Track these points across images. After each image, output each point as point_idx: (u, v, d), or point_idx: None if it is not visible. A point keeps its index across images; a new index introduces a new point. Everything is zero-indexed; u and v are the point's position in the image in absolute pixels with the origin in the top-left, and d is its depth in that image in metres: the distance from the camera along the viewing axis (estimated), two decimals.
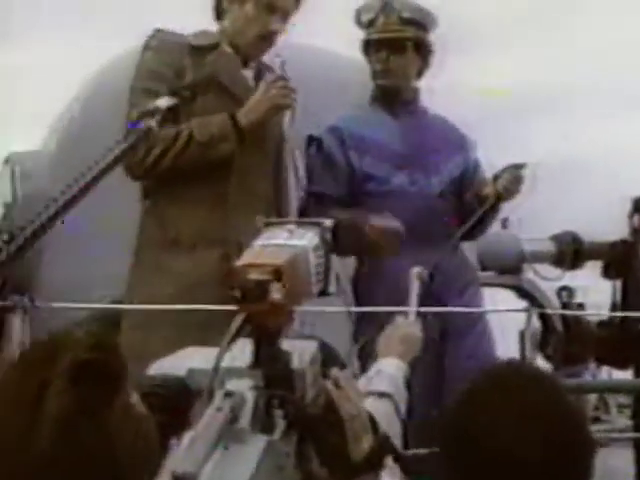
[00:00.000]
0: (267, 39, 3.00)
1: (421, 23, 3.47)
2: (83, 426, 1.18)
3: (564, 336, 6.49)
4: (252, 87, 3.00)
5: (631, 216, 5.61)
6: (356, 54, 3.62)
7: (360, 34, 3.54)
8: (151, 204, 2.98)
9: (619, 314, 6.27)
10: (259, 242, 1.42)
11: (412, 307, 2.53)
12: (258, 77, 3.03)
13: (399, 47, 3.44)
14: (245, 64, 3.03)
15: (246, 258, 1.34)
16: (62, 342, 1.23)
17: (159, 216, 2.92)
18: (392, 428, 1.92)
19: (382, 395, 1.99)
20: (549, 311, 6.39)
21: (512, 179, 3.32)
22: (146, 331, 2.70)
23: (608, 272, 6.44)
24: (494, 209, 3.43)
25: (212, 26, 3.12)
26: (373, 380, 2.06)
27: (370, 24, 3.46)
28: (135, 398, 1.28)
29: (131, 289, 2.94)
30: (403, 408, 2.01)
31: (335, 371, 1.67)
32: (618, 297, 6.32)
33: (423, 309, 2.58)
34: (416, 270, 2.81)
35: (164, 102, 2.60)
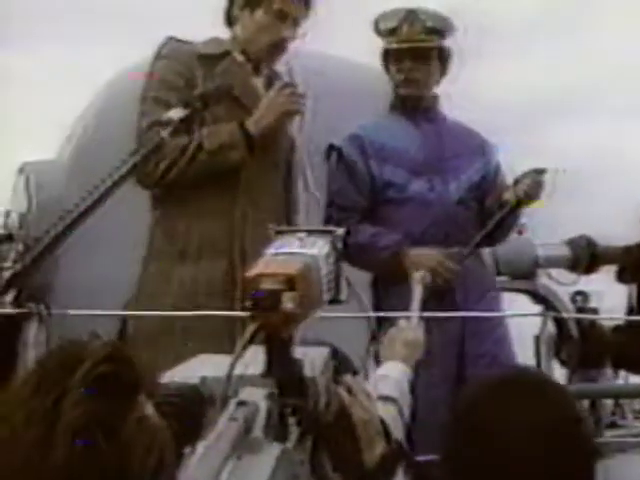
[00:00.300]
0: (279, 46, 3.00)
1: (443, 31, 3.47)
2: (98, 438, 1.18)
3: (579, 341, 6.47)
4: (262, 95, 3.00)
5: None
6: (371, 62, 3.61)
7: (374, 42, 3.54)
8: (160, 215, 2.98)
9: (635, 318, 6.25)
10: (271, 251, 1.43)
11: (415, 311, 2.55)
12: (269, 85, 3.03)
13: (424, 56, 3.44)
14: (256, 71, 3.03)
15: (258, 267, 1.35)
16: (78, 353, 1.23)
17: (167, 227, 2.93)
18: (396, 432, 1.92)
19: (387, 399, 2.00)
20: (564, 315, 6.36)
21: (532, 184, 3.31)
22: (150, 341, 2.69)
23: (622, 276, 6.43)
24: (514, 214, 3.42)
25: (222, 33, 3.12)
26: (378, 384, 2.07)
27: (392, 33, 3.44)
28: (150, 409, 1.29)
29: (137, 299, 2.94)
30: (407, 412, 2.02)
31: (347, 377, 1.69)
32: (634, 301, 6.31)
33: (425, 314, 2.58)
34: (419, 274, 2.82)
35: (176, 113, 2.61)
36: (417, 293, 2.73)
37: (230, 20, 3.07)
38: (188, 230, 2.89)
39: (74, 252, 3.28)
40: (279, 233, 1.51)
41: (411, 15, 3.42)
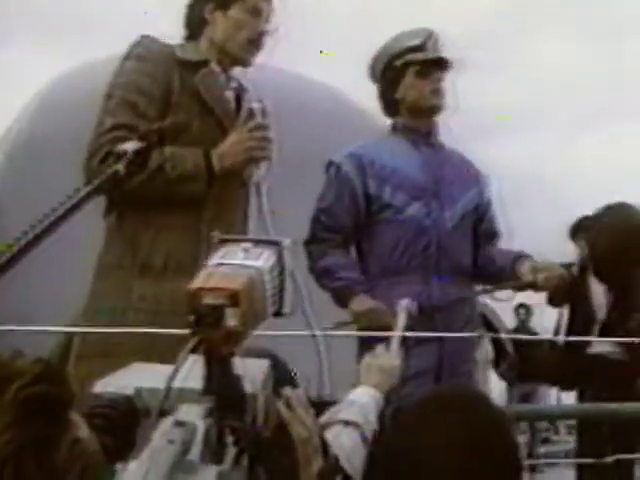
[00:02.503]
0: (256, 42, 2.95)
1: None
2: (29, 465, 1.12)
3: (515, 357, 6.59)
4: (233, 111, 2.91)
5: (572, 238, 5.73)
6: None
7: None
8: (118, 221, 2.84)
9: (574, 339, 6.39)
10: (214, 261, 1.38)
11: (396, 338, 2.55)
12: (237, 99, 2.97)
13: (447, 68, 3.48)
14: (227, 82, 2.96)
15: (200, 280, 1.29)
16: (4, 372, 1.16)
17: (128, 239, 2.80)
18: (356, 455, 1.90)
19: (347, 423, 1.98)
20: (500, 336, 6.47)
21: (554, 276, 3.37)
22: (106, 360, 2.55)
23: (554, 300, 6.60)
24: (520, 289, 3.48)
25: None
26: (343, 409, 2.05)
27: (417, 49, 3.46)
28: (84, 430, 1.23)
29: (90, 312, 2.81)
30: (370, 437, 1.99)
31: (287, 390, 1.64)
32: (562, 322, 6.49)
33: (386, 333, 2.58)
34: (405, 303, 2.81)
35: (132, 145, 2.52)
36: (401, 320, 2.73)
37: (196, 27, 2.98)
38: (153, 243, 2.76)
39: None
40: (223, 242, 1.46)
41: (433, 33, 3.50)
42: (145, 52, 2.87)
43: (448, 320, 3.30)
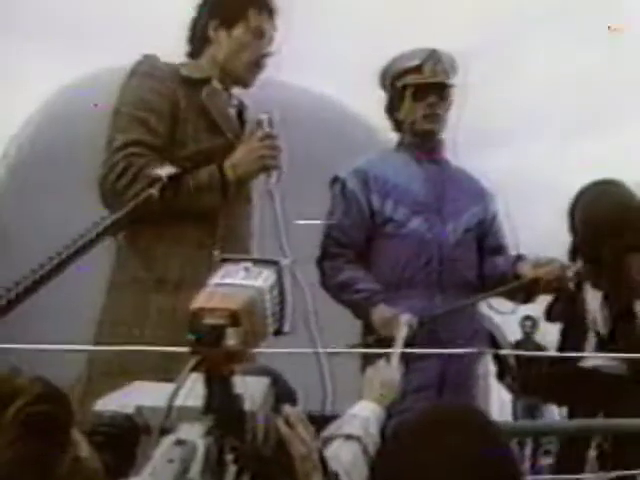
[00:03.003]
0: (258, 63, 2.97)
1: (452, 72, 3.53)
2: None
3: (516, 370, 6.59)
4: (237, 126, 2.95)
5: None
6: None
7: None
8: (130, 236, 2.84)
9: (569, 355, 6.40)
10: (214, 281, 1.39)
11: (396, 352, 2.55)
12: (239, 116, 2.99)
13: (446, 93, 3.48)
14: (229, 102, 2.98)
15: (201, 300, 1.31)
16: (6, 389, 1.17)
17: (142, 253, 2.80)
18: (356, 470, 1.91)
19: (349, 437, 1.99)
20: (501, 351, 6.47)
21: (556, 271, 3.38)
22: (126, 377, 2.50)
23: (552, 314, 6.61)
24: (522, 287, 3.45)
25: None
26: (344, 423, 2.05)
27: (415, 71, 3.46)
28: (84, 448, 1.24)
29: (104, 328, 2.81)
30: (373, 450, 2.00)
31: (287, 408, 1.65)
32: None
33: (384, 349, 2.58)
34: (406, 317, 2.81)
35: (165, 171, 2.55)
36: (401, 335, 2.73)
37: (199, 44, 3.00)
38: (167, 257, 2.78)
39: None
40: (224, 261, 1.47)
41: (434, 54, 3.48)
42: (150, 69, 2.90)
43: (453, 335, 3.30)
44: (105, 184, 2.76)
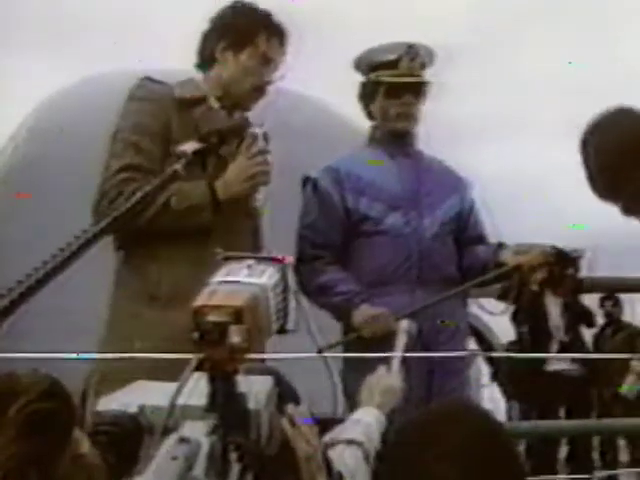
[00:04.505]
0: (261, 90, 2.96)
1: (430, 66, 3.46)
2: (33, 477, 1.12)
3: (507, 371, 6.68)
4: (235, 144, 2.94)
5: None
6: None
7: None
8: (126, 256, 2.90)
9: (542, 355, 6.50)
10: (217, 279, 1.38)
11: (396, 359, 2.54)
12: (240, 132, 2.98)
13: (422, 92, 3.41)
14: (230, 118, 2.97)
15: (203, 297, 1.30)
16: (10, 387, 1.16)
17: (138, 270, 2.84)
18: (359, 474, 1.90)
19: (351, 442, 1.98)
20: (491, 354, 6.53)
21: (538, 256, 3.26)
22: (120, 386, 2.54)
23: (517, 317, 6.71)
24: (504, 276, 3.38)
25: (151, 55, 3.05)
26: (347, 428, 2.05)
27: (391, 66, 3.38)
28: (86, 446, 1.23)
29: (107, 341, 2.85)
30: (374, 455, 1.99)
31: (291, 408, 1.64)
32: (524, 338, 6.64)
33: (382, 355, 2.56)
34: (405, 323, 2.79)
35: (190, 146, 2.55)
36: (400, 341, 2.71)
37: (205, 60, 2.99)
38: (159, 275, 2.81)
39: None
40: (227, 259, 1.46)
41: (412, 49, 3.39)
42: (145, 93, 2.92)
43: (435, 330, 3.25)
44: (98, 210, 2.77)
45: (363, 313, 3.21)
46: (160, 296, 2.79)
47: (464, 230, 3.49)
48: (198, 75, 3.03)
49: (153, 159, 2.81)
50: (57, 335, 4.09)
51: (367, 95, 3.46)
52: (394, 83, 3.37)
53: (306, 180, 3.42)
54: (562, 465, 7.02)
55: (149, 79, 2.96)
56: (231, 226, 2.85)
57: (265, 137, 2.87)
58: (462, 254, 3.45)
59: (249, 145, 2.84)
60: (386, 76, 3.38)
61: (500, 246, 3.41)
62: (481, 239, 3.51)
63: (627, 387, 6.10)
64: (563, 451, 7.21)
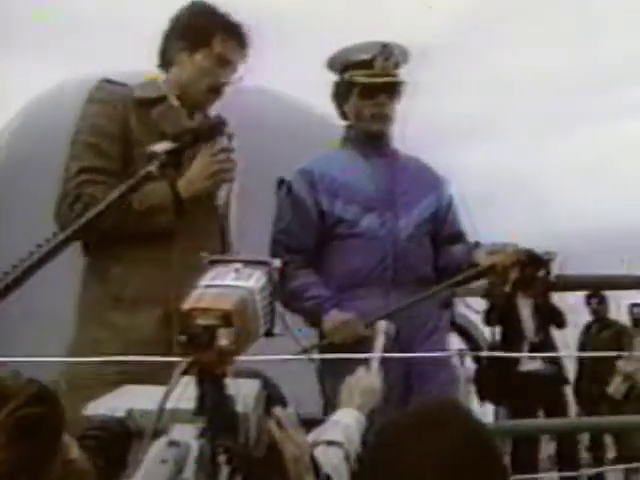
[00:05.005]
0: (216, 91, 2.94)
1: (404, 64, 3.42)
2: None
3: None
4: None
5: None
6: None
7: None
8: (93, 260, 2.90)
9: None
10: (204, 282, 1.39)
11: (375, 360, 2.53)
12: (215, 132, 2.97)
13: (396, 92, 3.37)
14: (191, 116, 2.96)
15: (192, 301, 1.30)
16: (0, 392, 1.16)
17: (102, 273, 2.84)
18: (339, 475, 1.90)
19: (331, 443, 1.98)
20: (480, 353, 6.57)
21: (512, 255, 3.22)
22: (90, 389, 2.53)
23: (489, 318, 6.78)
24: (479, 276, 3.36)
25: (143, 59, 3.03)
26: (327, 430, 2.05)
27: (365, 66, 3.35)
28: (75, 451, 1.23)
29: (75, 344, 2.83)
30: (354, 456, 2.00)
31: (278, 410, 1.65)
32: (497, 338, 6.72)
33: (368, 355, 2.56)
34: (383, 324, 2.79)
35: (162, 146, 2.53)
36: (379, 342, 2.71)
37: (165, 61, 2.99)
38: (123, 277, 2.80)
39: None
40: (213, 263, 1.46)
41: (386, 48, 3.36)
42: (104, 95, 2.90)
43: (411, 332, 3.22)
44: (60, 211, 2.77)
45: (333, 319, 3.19)
46: (125, 298, 2.78)
47: (441, 229, 3.46)
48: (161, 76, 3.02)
49: (112, 161, 2.80)
50: (30, 339, 4.08)
51: (341, 95, 3.43)
52: (368, 83, 3.34)
53: (280, 183, 3.39)
54: (552, 462, 7.06)
55: (108, 81, 2.95)
56: (196, 226, 2.84)
57: (228, 135, 2.85)
58: (438, 254, 3.43)
59: (211, 143, 2.83)
60: (360, 76, 3.35)
61: (476, 245, 3.39)
62: (459, 237, 3.48)
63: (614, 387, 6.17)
64: (551, 449, 7.26)
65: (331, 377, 2.99)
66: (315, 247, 3.33)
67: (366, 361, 2.55)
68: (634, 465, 6.40)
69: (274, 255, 3.24)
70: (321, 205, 3.31)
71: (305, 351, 3.06)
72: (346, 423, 2.11)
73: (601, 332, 8.27)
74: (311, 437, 2.00)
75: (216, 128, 2.78)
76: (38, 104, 5.55)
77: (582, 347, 8.42)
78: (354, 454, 1.99)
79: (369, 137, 3.40)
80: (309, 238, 3.32)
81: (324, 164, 3.41)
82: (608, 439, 7.95)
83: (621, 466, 7.02)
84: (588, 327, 8.51)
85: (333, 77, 3.48)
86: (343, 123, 3.53)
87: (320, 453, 1.92)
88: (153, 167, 2.43)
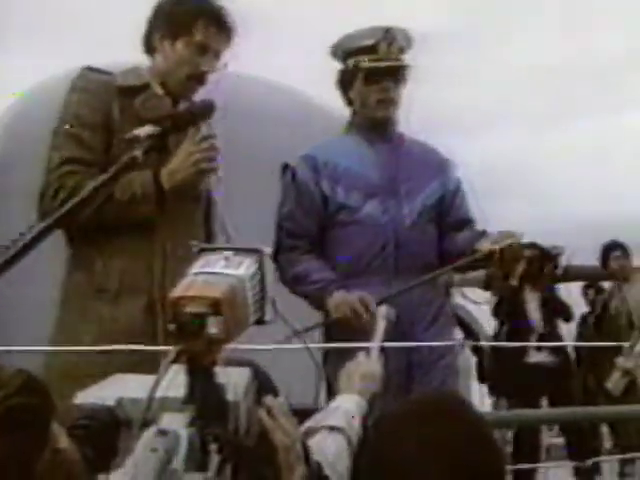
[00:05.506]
0: (198, 79, 2.91)
1: (408, 50, 3.40)
2: (10, 475, 1.11)
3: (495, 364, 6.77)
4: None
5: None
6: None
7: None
8: (76, 251, 2.88)
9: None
10: (194, 270, 1.38)
11: (376, 345, 2.52)
12: (206, 115, 2.94)
13: (401, 76, 3.36)
14: (175, 104, 2.93)
15: (181, 289, 1.29)
16: None
17: (85, 264, 2.82)
18: (341, 460, 1.90)
19: (332, 429, 1.98)
20: (480, 343, 6.59)
21: (513, 248, 3.17)
22: (73, 380, 2.52)
23: (498, 311, 6.81)
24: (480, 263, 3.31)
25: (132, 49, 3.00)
26: (328, 415, 2.04)
27: (369, 51, 3.34)
28: (64, 440, 1.22)
29: (58, 335, 2.82)
30: (356, 442, 2.00)
31: (269, 399, 1.64)
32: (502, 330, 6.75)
33: (371, 344, 2.54)
34: (384, 309, 2.77)
35: (144, 131, 2.51)
36: (380, 327, 2.70)
37: (149, 48, 2.96)
38: (105, 268, 2.79)
39: None
40: (203, 251, 1.45)
41: (389, 33, 3.35)
42: (86, 84, 2.87)
43: (412, 319, 3.20)
44: (42, 203, 2.76)
45: (337, 297, 3.16)
46: (108, 288, 2.77)
47: (447, 214, 3.43)
48: (143, 63, 3.00)
49: (94, 151, 2.78)
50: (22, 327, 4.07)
51: (345, 82, 3.42)
52: (373, 68, 3.33)
53: (285, 168, 3.38)
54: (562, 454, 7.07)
55: (90, 69, 2.92)
56: (179, 215, 2.82)
57: (209, 125, 2.83)
58: (443, 239, 3.39)
59: (193, 132, 2.81)
60: (364, 61, 3.35)
61: (483, 234, 3.35)
62: (466, 223, 3.44)
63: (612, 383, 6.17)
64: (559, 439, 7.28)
65: (333, 367, 2.96)
66: (318, 233, 3.32)
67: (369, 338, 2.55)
68: (629, 455, 6.40)
69: (278, 241, 3.28)
70: (324, 191, 3.30)
71: (306, 330, 3.05)
72: (346, 408, 2.10)
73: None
74: (311, 423, 2.00)
75: (205, 111, 2.76)
76: (29, 98, 5.55)
77: (579, 338, 8.42)
78: (355, 439, 1.99)
79: (374, 123, 3.38)
80: (312, 224, 3.31)
81: (327, 150, 3.40)
82: (604, 429, 7.97)
83: (617, 456, 7.04)
84: (584, 318, 8.51)
85: (327, 64, 3.47)
86: (332, 107, 3.51)
87: (321, 439, 1.91)
88: (138, 152, 2.41)
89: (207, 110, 2.76)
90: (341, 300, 3.15)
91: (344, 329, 3.13)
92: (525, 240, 3.33)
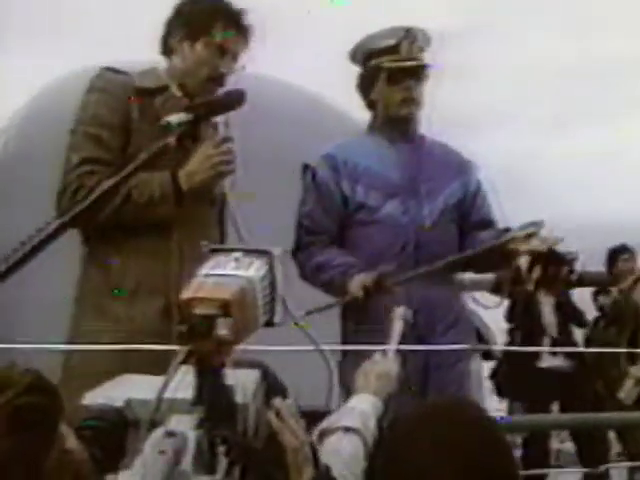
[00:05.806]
0: (217, 81, 2.91)
1: (427, 49, 3.39)
2: (17, 474, 1.11)
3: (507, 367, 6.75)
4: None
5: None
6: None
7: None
8: (92, 250, 2.86)
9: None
10: (204, 271, 1.37)
11: (392, 345, 2.51)
12: (233, 105, 2.94)
13: (423, 75, 3.34)
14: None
15: (191, 290, 1.29)
16: None
17: (101, 263, 2.81)
18: (357, 462, 1.90)
19: (348, 430, 1.97)
20: (490, 347, 6.57)
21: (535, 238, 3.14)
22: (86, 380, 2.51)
23: (512, 316, 6.79)
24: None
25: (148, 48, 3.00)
26: (343, 416, 2.04)
27: (390, 51, 3.33)
28: (72, 441, 1.22)
29: (73, 334, 2.81)
30: (371, 442, 1.99)
31: (277, 401, 1.64)
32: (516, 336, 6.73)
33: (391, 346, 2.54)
34: (401, 310, 2.76)
35: (176, 118, 2.51)
36: (397, 328, 2.69)
37: (167, 49, 2.97)
38: (123, 268, 2.78)
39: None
40: (214, 251, 1.45)
41: (410, 33, 3.35)
42: (105, 84, 2.87)
43: (430, 321, 3.17)
44: (61, 201, 2.76)
45: (358, 279, 3.11)
46: (125, 289, 2.76)
47: (468, 215, 3.40)
48: (161, 64, 2.99)
49: (113, 151, 2.77)
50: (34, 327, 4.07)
51: (366, 84, 3.40)
52: (395, 68, 3.32)
53: (305, 168, 3.37)
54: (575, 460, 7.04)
55: (109, 69, 2.92)
56: (195, 216, 2.82)
57: (226, 124, 2.83)
58: (465, 239, 3.36)
59: (211, 134, 2.81)
60: (387, 62, 3.34)
61: (505, 231, 3.29)
62: (488, 224, 3.40)
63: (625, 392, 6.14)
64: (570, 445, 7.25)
65: (351, 367, 2.93)
66: (338, 232, 3.30)
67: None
68: (638, 463, 6.37)
69: (298, 238, 3.27)
70: (344, 190, 3.29)
71: (318, 310, 3.02)
72: (362, 409, 2.10)
73: (608, 328, 8.24)
74: (326, 423, 2.00)
75: (237, 99, 2.75)
76: (43, 97, 5.55)
77: (588, 343, 8.39)
78: (371, 440, 1.98)
79: (396, 122, 3.36)
80: (332, 223, 3.29)
81: (348, 149, 3.38)
82: (611, 435, 7.93)
83: (627, 464, 7.00)
84: (595, 323, 8.48)
85: (334, 63, 3.47)
86: (356, 115, 3.51)
87: (336, 440, 1.91)
88: (171, 139, 2.40)
89: (239, 98, 2.75)
90: (360, 281, 3.11)
91: (359, 310, 3.11)
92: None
